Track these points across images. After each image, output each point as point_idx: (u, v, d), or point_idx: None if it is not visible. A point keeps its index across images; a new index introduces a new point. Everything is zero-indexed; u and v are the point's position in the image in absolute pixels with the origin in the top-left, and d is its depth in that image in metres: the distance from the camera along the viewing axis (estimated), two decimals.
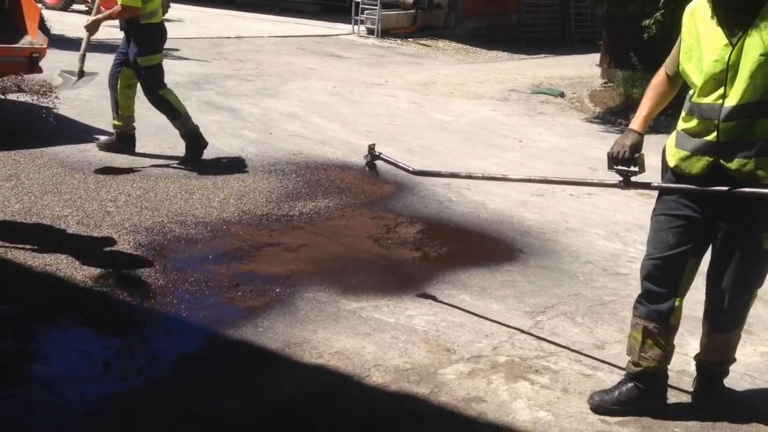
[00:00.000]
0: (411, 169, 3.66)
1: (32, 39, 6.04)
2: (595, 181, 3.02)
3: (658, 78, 2.86)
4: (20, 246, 3.85)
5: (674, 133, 2.77)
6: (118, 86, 5.56)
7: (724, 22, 2.54)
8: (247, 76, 9.64)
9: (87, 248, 3.92)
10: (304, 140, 6.70)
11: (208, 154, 5.80)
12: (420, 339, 3.36)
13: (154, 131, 6.26)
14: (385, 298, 3.75)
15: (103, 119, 6.39)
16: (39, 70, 5.86)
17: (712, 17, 2.56)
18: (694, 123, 2.64)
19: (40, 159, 5.25)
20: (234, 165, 5.74)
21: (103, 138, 5.83)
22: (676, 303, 2.79)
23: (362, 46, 14.67)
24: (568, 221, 5.19)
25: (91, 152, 5.57)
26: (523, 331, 3.51)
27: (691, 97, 2.66)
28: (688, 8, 2.69)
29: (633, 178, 2.80)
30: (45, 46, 6.00)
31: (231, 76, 9.52)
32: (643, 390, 2.88)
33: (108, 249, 3.94)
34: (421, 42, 15.87)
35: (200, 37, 12.96)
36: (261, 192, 5.14)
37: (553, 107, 10.04)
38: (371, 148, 3.64)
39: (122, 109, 5.61)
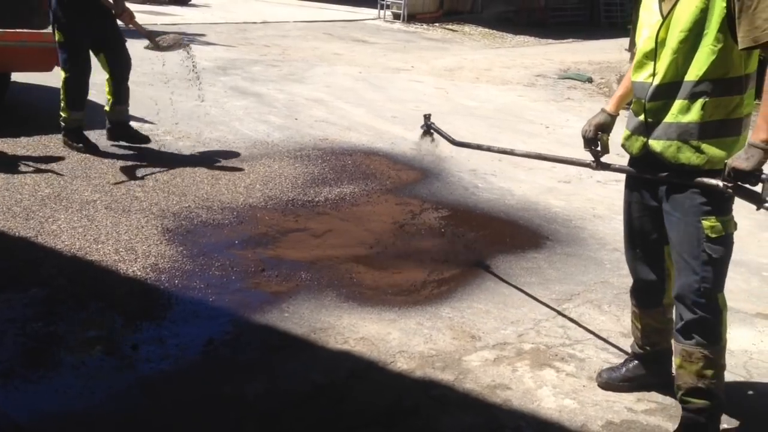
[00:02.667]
0: (456, 141, 3.85)
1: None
2: (575, 159, 3.05)
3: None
4: (50, 230, 3.90)
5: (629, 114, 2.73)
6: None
7: None
8: (273, 62, 9.65)
9: (115, 232, 3.96)
10: (330, 126, 6.69)
11: (234, 139, 5.82)
12: (445, 325, 3.36)
13: (180, 117, 6.30)
14: (410, 284, 3.74)
15: (131, 104, 6.43)
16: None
17: None
18: (633, 102, 2.62)
19: None
20: (260, 150, 5.76)
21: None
22: (666, 287, 2.76)
23: (388, 31, 14.61)
24: (595, 208, 5.13)
25: None
26: (548, 319, 3.49)
27: (632, 73, 2.65)
28: None
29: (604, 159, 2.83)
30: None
31: (257, 61, 9.53)
32: (648, 367, 2.92)
33: (136, 233, 3.98)
34: (447, 27, 15.76)
35: (226, 23, 12.99)
36: (287, 177, 5.15)
37: (581, 93, 9.91)
38: (427, 117, 3.97)
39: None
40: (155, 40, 5.31)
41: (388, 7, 15.85)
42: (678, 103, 2.43)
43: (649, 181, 2.61)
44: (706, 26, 2.34)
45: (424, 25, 15.58)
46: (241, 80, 8.22)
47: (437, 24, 15.85)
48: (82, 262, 3.61)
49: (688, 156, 2.45)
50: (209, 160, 5.39)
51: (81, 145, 5.24)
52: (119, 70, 5.33)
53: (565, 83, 10.52)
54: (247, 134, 6.13)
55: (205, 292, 3.46)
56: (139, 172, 4.92)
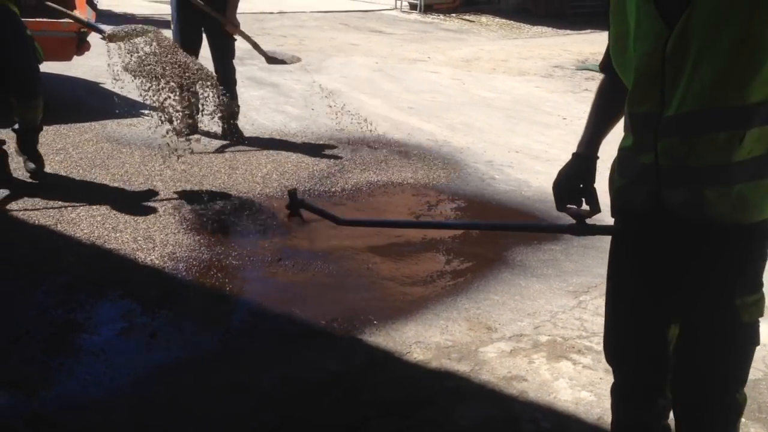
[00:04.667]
0: (340, 219, 2.41)
1: (80, 14, 6.11)
2: (547, 225, 2.46)
3: (602, 81, 2.06)
4: (70, 218, 3.94)
5: (616, 156, 1.98)
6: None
7: None
8: (290, 52, 9.63)
9: (133, 221, 3.99)
10: (346, 116, 6.68)
11: (251, 129, 5.84)
12: (461, 317, 3.35)
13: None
14: (426, 275, 3.74)
15: None
16: (87, 46, 5.94)
17: None
18: (629, 140, 1.88)
19: (87, 133, 5.35)
20: (277, 140, 5.76)
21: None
22: (665, 381, 2.04)
23: (404, 21, 14.55)
24: None
25: (136, 128, 5.65)
26: (565, 311, 3.48)
27: (626, 103, 1.87)
28: None
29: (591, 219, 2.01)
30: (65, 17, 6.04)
31: (273, 52, 9.52)
32: None
33: (154, 222, 4.01)
34: (464, 17, 15.67)
35: (243, 12, 12.91)
36: (303, 168, 5.16)
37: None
38: (293, 194, 2.27)
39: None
40: (267, 54, 5.50)
41: None
42: (711, 138, 1.73)
43: (658, 243, 1.90)
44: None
45: (441, 16, 15.50)
46: (258, 70, 8.22)
47: (454, 14, 15.76)
48: (101, 250, 3.64)
49: (724, 208, 1.77)
50: (226, 150, 5.40)
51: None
52: None
53: (583, 74, 10.44)
54: (263, 124, 6.14)
55: (222, 281, 3.48)
56: (158, 162, 4.95)
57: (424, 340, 3.13)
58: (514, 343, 3.16)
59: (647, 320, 2.00)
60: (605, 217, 2.09)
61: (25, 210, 3.96)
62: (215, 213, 4.25)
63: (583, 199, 2.00)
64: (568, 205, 2.02)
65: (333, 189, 4.82)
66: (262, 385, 2.75)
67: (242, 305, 3.32)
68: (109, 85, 6.48)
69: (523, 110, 7.77)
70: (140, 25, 4.57)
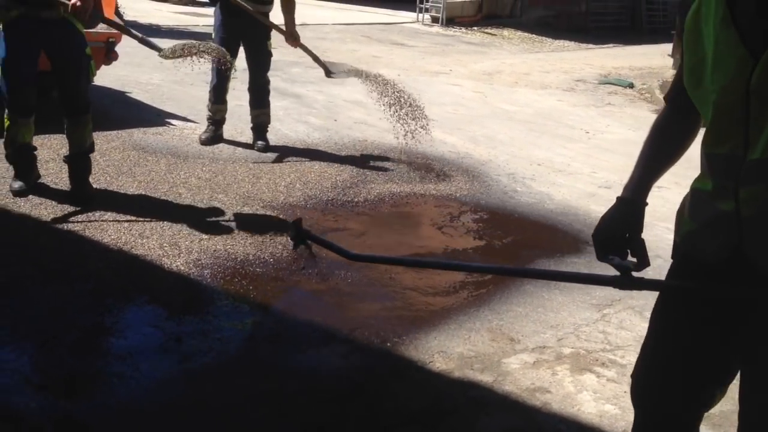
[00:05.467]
0: (351, 253, 2.37)
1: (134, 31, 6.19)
2: (584, 273, 2.00)
3: (660, 116, 1.85)
4: (97, 224, 3.99)
5: (688, 193, 1.76)
6: (230, 74, 5.49)
7: (742, 22, 1.52)
8: (312, 63, 9.63)
9: (159, 228, 4.03)
10: (369, 127, 6.72)
11: (275, 139, 5.89)
12: (484, 327, 3.35)
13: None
14: (449, 286, 3.75)
15: (174, 104, 6.57)
16: (115, 56, 6.03)
17: (723, 17, 1.54)
18: (707, 183, 1.66)
19: (114, 141, 5.42)
20: (300, 150, 5.81)
21: (203, 134, 5.70)
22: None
23: (426, 34, 14.62)
24: None
25: (162, 136, 5.72)
26: (588, 324, 3.47)
27: (703, 143, 1.67)
28: (693, 5, 1.64)
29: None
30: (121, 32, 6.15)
31: (296, 63, 9.59)
32: None
33: (179, 229, 4.05)
34: (486, 31, 15.71)
35: None
36: (327, 177, 5.19)
37: (622, 98, 9.81)
38: (297, 225, 2.28)
39: (224, 96, 5.63)
40: (327, 68, 5.64)
41: (426, 10, 15.85)
42: None
43: (722, 300, 1.69)
44: None
45: (463, 29, 15.55)
46: (281, 81, 8.29)
47: (476, 28, 15.80)
48: (128, 256, 3.68)
49: None
50: (250, 159, 5.45)
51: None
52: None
53: (606, 88, 10.42)
54: (287, 134, 6.20)
55: (246, 289, 3.51)
56: (183, 170, 5.01)
57: (447, 349, 3.13)
58: (537, 354, 3.16)
59: (695, 377, 1.78)
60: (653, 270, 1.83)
61: (54, 216, 4.03)
62: (239, 221, 4.29)
63: (629, 251, 1.74)
64: (606, 257, 1.75)
65: (356, 199, 4.85)
66: (285, 392, 2.77)
67: (266, 312, 3.34)
68: (135, 94, 6.59)
69: (545, 123, 7.77)
70: (191, 41, 4.66)
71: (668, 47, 12.59)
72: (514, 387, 2.90)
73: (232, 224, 4.23)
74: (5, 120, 4.13)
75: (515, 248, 4.36)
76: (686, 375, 1.78)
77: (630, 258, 1.73)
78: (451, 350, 3.13)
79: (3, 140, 4.22)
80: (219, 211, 4.38)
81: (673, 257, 1.81)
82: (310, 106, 7.30)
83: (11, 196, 4.16)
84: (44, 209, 4.09)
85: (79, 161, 4.34)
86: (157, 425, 2.53)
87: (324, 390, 2.81)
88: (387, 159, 5.80)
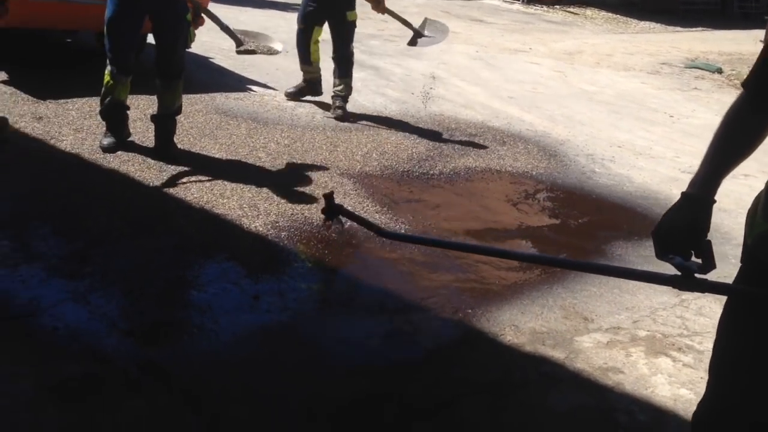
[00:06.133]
0: (384, 230, 2.45)
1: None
2: (641, 270, 1.83)
3: (736, 105, 1.66)
4: (180, 183, 4.12)
5: (761, 191, 1.67)
6: (311, 41, 5.82)
7: None
8: (391, 37, 9.69)
9: (239, 189, 4.13)
10: (446, 102, 6.69)
11: (352, 109, 5.93)
12: (557, 305, 3.33)
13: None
14: (523, 262, 3.72)
15: (255, 70, 6.67)
16: (201, 21, 6.13)
17: None
18: None
19: (198, 104, 5.56)
20: (377, 121, 5.83)
21: (290, 89, 6.07)
22: None
23: (507, 11, 14.37)
24: (721, 201, 4.86)
25: (243, 101, 5.83)
26: (666, 308, 3.39)
27: None
28: None
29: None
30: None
31: (375, 35, 9.61)
32: None
33: (258, 192, 4.14)
34: (568, 9, 15.34)
35: None
36: (402, 149, 5.21)
37: (709, 83, 9.45)
38: (329, 198, 2.22)
39: (314, 60, 5.89)
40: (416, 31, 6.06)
41: None
42: None
43: None
44: None
45: (544, 7, 15.22)
46: (359, 53, 8.29)
47: (558, 6, 15.44)
48: (209, 214, 3.79)
49: None
50: (327, 127, 5.51)
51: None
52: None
53: (693, 72, 10.06)
54: (364, 105, 6.22)
55: (322, 252, 3.57)
56: (262, 135, 5.10)
57: (519, 324, 3.12)
58: (611, 335, 3.12)
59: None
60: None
61: (141, 172, 4.17)
62: (316, 187, 4.35)
63: (692, 252, 1.61)
64: (667, 257, 1.62)
65: (432, 172, 4.85)
66: (356, 355, 2.82)
67: (341, 277, 3.40)
68: (217, 60, 6.73)
69: (627, 105, 7.56)
70: (257, 43, 4.72)
71: (760, 33, 12.03)
72: (586, 365, 2.87)
73: (309, 190, 4.30)
74: (105, 76, 4.30)
75: (592, 229, 4.29)
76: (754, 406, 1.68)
77: (694, 259, 1.61)
78: (522, 325, 3.12)
79: (100, 96, 4.38)
80: (297, 176, 4.45)
81: (742, 261, 1.69)
82: (387, 79, 7.31)
83: (101, 152, 4.33)
84: (131, 166, 4.24)
85: (165, 122, 4.49)
86: (234, 377, 2.61)
87: (396, 354, 2.84)
88: (463, 133, 5.77)
